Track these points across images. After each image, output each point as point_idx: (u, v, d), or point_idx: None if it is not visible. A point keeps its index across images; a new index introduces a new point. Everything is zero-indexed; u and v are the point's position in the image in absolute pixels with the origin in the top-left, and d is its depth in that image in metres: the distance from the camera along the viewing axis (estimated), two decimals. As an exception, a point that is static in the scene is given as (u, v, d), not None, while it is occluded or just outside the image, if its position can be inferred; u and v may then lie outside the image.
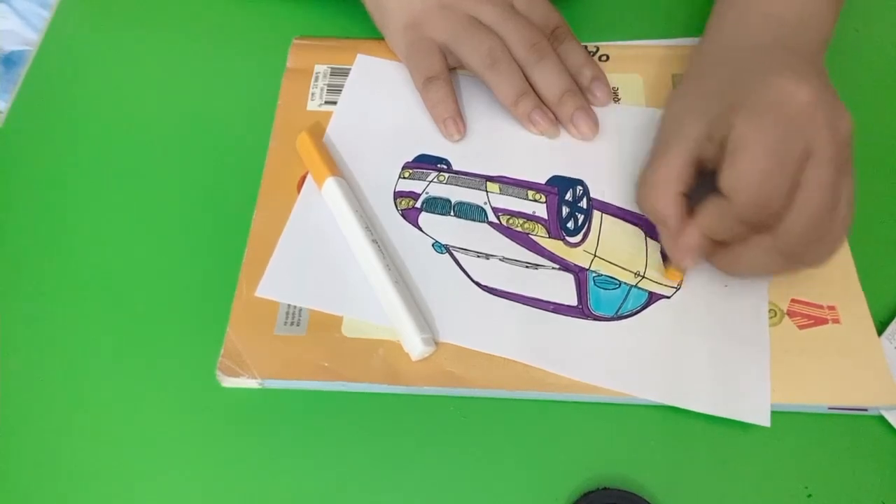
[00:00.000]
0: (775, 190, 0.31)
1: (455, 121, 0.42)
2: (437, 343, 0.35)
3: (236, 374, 0.35)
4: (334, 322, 0.36)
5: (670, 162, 0.35)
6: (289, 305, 0.37)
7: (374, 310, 0.36)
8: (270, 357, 0.35)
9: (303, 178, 0.41)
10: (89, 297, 0.38)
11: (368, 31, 0.45)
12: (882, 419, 0.34)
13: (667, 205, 0.35)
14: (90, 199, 0.41)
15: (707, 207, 0.33)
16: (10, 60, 0.77)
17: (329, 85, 0.45)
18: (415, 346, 0.34)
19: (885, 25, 0.49)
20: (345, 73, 0.45)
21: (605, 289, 0.37)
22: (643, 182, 0.36)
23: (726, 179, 0.32)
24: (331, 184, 0.39)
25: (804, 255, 0.33)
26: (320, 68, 0.45)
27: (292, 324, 0.36)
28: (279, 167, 0.41)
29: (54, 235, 0.40)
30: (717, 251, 0.35)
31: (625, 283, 0.37)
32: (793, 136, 0.31)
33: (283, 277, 0.37)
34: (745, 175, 0.31)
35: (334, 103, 0.44)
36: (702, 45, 0.40)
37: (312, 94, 0.44)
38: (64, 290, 0.38)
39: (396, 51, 0.45)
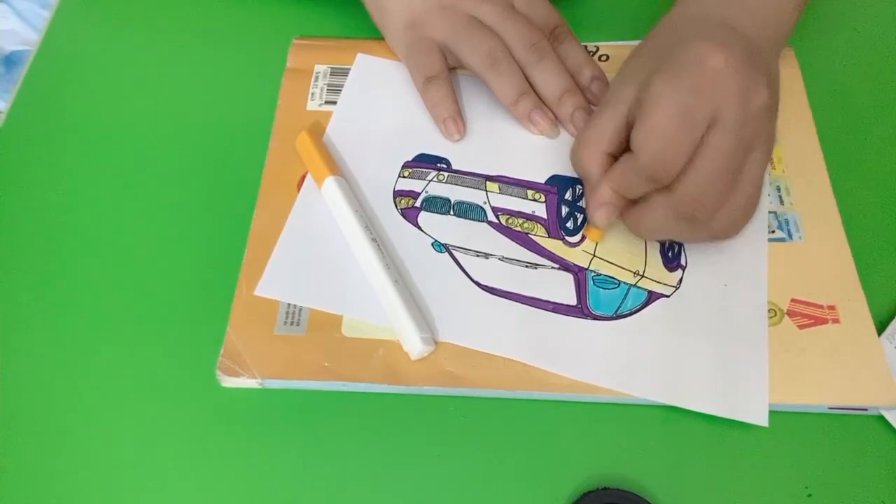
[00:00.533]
0: (677, 148, 0.32)
1: (455, 120, 0.42)
2: (436, 342, 0.35)
3: (236, 374, 0.35)
4: (334, 322, 0.36)
5: (600, 122, 0.36)
6: (289, 305, 0.37)
7: (373, 309, 0.36)
8: (270, 357, 0.35)
9: (303, 178, 0.41)
10: (89, 297, 0.38)
11: (368, 31, 0.45)
12: (882, 419, 0.34)
13: (590, 162, 0.36)
14: (90, 198, 0.41)
15: (617, 164, 0.35)
16: (10, 60, 0.77)
17: (329, 85, 0.45)
18: (414, 346, 0.34)
19: (885, 25, 0.49)
20: (345, 73, 0.45)
21: (605, 288, 0.37)
22: (576, 140, 0.37)
23: (634, 135, 0.33)
24: (330, 183, 0.39)
25: (701, 220, 0.33)
26: (320, 68, 0.45)
27: (292, 324, 0.36)
28: (279, 167, 0.41)
29: (54, 235, 0.40)
30: (626, 211, 0.36)
31: (624, 282, 0.37)
32: (701, 99, 0.31)
33: (283, 276, 0.37)
34: (649, 131, 0.32)
35: (334, 103, 0.44)
36: (662, 18, 0.40)
37: (312, 93, 0.44)
38: (64, 290, 0.38)
39: (396, 50, 0.45)
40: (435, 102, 0.42)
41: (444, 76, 0.42)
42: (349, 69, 0.45)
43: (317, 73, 0.45)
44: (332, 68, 0.45)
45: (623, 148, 0.36)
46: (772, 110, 0.34)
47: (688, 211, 0.33)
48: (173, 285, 0.38)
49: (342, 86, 0.45)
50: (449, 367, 0.35)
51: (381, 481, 0.33)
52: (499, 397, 0.35)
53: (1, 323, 0.37)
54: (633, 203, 0.35)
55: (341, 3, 0.48)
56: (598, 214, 0.36)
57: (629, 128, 0.35)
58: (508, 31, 0.41)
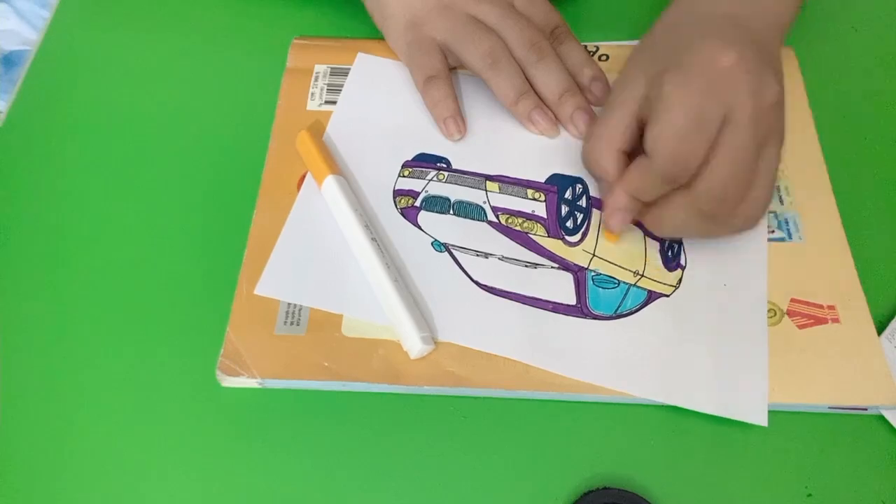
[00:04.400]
0: (692, 149, 0.32)
1: (455, 120, 0.42)
2: (436, 342, 0.35)
3: (236, 374, 0.35)
4: (334, 322, 0.36)
5: (611, 120, 0.36)
6: (289, 305, 0.37)
7: (373, 308, 0.36)
8: (270, 357, 0.35)
9: (303, 178, 0.41)
10: (89, 297, 0.38)
11: (368, 31, 0.45)
12: (882, 419, 0.34)
13: (605, 161, 0.36)
14: (90, 199, 0.41)
15: (632, 167, 0.35)
16: (10, 60, 0.77)
17: (329, 85, 0.45)
18: (413, 345, 0.34)
19: (885, 25, 0.49)
20: (345, 72, 0.45)
21: (604, 288, 0.37)
22: (586, 138, 0.38)
23: (648, 136, 0.33)
24: (330, 182, 0.39)
25: (721, 216, 0.34)
26: (320, 68, 0.45)
27: (292, 323, 0.36)
28: (279, 167, 0.41)
29: (54, 235, 0.40)
30: (645, 210, 0.36)
31: (624, 282, 0.37)
32: (712, 98, 0.32)
33: (283, 275, 0.37)
34: (663, 132, 0.32)
35: (334, 103, 0.44)
36: (662, 13, 0.40)
37: (312, 93, 0.44)
38: (64, 290, 0.38)
39: (397, 50, 0.45)
40: (435, 102, 0.42)
41: (445, 76, 0.42)
42: (349, 69, 0.45)
43: (317, 73, 0.45)
44: (332, 68, 0.45)
45: (635, 145, 0.36)
46: (782, 104, 0.34)
47: (709, 209, 0.33)
48: (173, 285, 0.38)
49: (342, 86, 0.45)
50: (449, 367, 0.35)
51: (381, 481, 0.33)
52: (499, 397, 0.35)
53: (1, 323, 0.37)
54: (650, 203, 0.35)
55: (341, 3, 0.48)
56: (615, 220, 0.36)
57: (640, 125, 0.35)
58: (508, 30, 0.41)
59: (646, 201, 0.35)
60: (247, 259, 0.38)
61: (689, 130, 0.32)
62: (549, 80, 0.41)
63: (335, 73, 0.45)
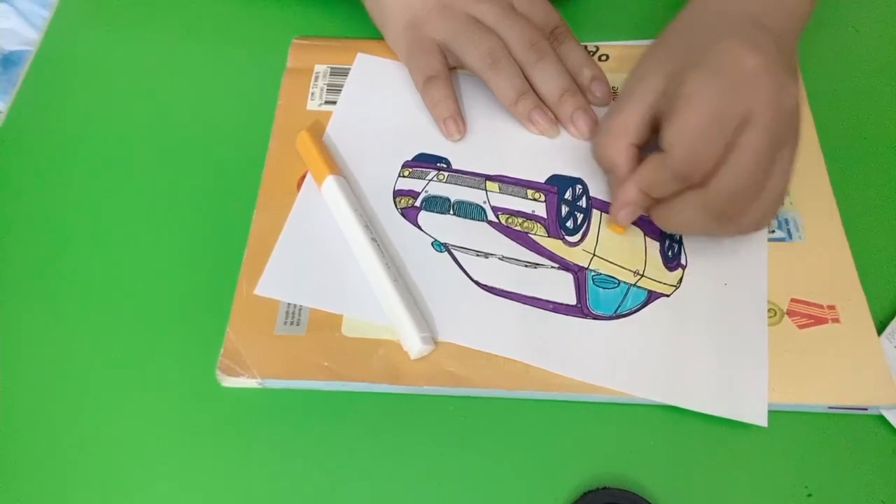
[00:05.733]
0: (709, 147, 0.32)
1: (455, 120, 0.42)
2: (436, 342, 0.35)
3: (236, 374, 0.35)
4: (334, 322, 0.36)
5: (625, 113, 0.36)
6: (289, 305, 0.37)
7: (373, 308, 0.36)
8: (270, 357, 0.35)
9: (303, 178, 0.41)
10: (89, 297, 0.38)
11: (368, 31, 0.45)
12: (882, 419, 0.34)
13: (617, 153, 0.36)
14: (90, 199, 0.41)
15: (646, 162, 0.35)
16: (10, 60, 0.77)
17: (329, 85, 0.45)
18: (413, 345, 0.34)
19: (885, 25, 0.49)
20: (345, 72, 0.45)
21: (604, 288, 0.37)
22: (598, 131, 0.38)
23: (665, 133, 0.33)
24: (330, 182, 0.39)
25: (732, 216, 0.34)
26: (320, 68, 0.45)
27: (292, 323, 0.36)
28: (279, 167, 0.41)
29: (54, 235, 0.40)
30: (655, 205, 0.36)
31: (624, 282, 0.37)
32: (734, 99, 0.32)
33: (283, 275, 0.37)
34: (682, 130, 0.32)
35: (334, 103, 0.44)
36: (680, 11, 0.40)
37: (312, 93, 0.44)
38: (64, 290, 0.38)
39: (396, 50, 0.45)
40: (435, 102, 0.42)
41: (444, 76, 0.42)
42: (349, 69, 0.45)
43: (317, 73, 0.45)
44: (332, 68, 0.45)
45: (647, 140, 0.36)
46: (799, 109, 0.34)
47: (720, 208, 0.33)
48: (173, 285, 0.38)
49: (342, 86, 0.45)
50: (449, 366, 0.35)
51: (381, 481, 0.33)
52: (499, 397, 0.35)
53: (1, 323, 0.37)
54: (659, 199, 0.35)
55: (341, 3, 0.48)
56: (623, 214, 0.36)
57: (655, 119, 0.35)
58: (508, 30, 0.41)
59: (656, 197, 0.35)
60: (247, 259, 0.38)
61: (709, 130, 0.32)
62: (548, 81, 0.41)
63: (335, 73, 0.45)
